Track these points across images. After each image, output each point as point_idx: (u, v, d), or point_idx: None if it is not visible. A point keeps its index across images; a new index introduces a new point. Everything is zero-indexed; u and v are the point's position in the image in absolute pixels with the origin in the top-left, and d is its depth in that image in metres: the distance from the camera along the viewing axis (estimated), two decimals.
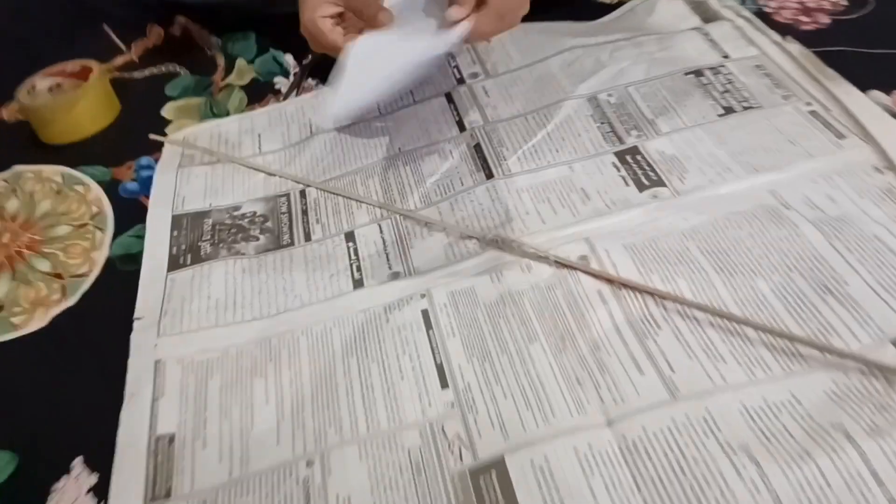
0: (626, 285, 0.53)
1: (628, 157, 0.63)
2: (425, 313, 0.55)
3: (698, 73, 0.69)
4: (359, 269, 0.61)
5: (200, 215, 0.69)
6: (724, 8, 0.76)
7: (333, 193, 0.68)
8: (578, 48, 0.75)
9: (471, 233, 0.60)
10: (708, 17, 0.76)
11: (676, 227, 0.56)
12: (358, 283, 0.60)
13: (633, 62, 0.72)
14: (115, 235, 0.71)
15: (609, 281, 0.53)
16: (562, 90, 0.71)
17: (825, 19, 0.74)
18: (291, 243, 0.65)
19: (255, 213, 0.68)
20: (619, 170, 0.62)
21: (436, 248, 0.61)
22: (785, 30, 0.72)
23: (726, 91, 0.67)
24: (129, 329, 0.60)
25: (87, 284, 0.66)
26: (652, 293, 0.52)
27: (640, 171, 0.62)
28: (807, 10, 0.75)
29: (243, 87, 0.87)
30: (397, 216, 0.64)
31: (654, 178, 0.61)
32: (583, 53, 0.75)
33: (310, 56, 0.88)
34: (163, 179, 0.74)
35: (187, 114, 0.85)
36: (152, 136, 0.79)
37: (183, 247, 0.66)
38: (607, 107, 0.68)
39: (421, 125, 0.73)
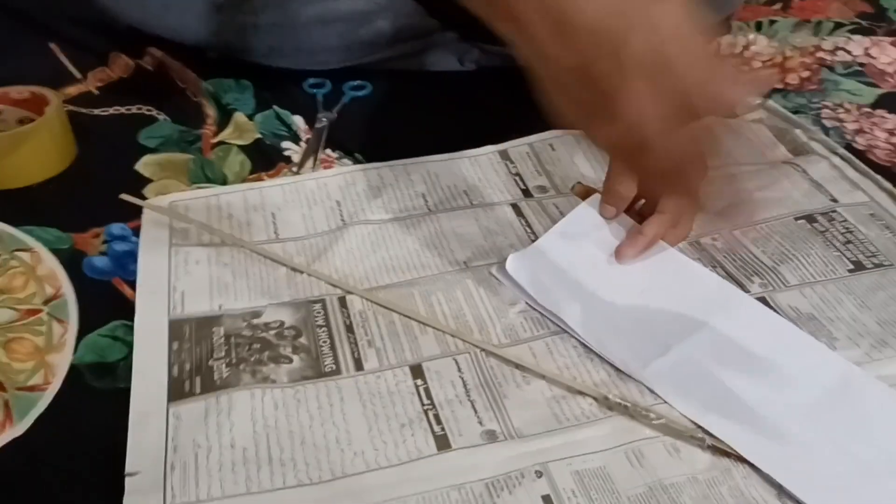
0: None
1: None
2: (547, 500, 0.42)
3: (811, 218, 0.62)
4: (437, 419, 0.47)
5: (208, 321, 0.53)
6: (814, 141, 0.70)
7: (388, 309, 0.54)
8: None
9: (585, 389, 0.48)
10: (797, 149, 0.70)
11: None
12: (442, 442, 0.45)
13: (731, 202, 0.63)
14: (82, 332, 0.52)
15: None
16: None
17: None
18: (337, 371, 0.50)
19: (282, 323, 0.53)
20: None
21: (538, 402, 0.48)
22: (883, 173, 0.66)
23: (849, 242, 0.59)
24: (115, 487, 0.42)
25: (42, 404, 0.47)
26: None
27: None
28: None
29: (243, 149, 0.71)
30: (478, 351, 0.51)
31: None
32: None
33: (324, 119, 0.74)
34: (150, 263, 0.57)
35: (171, 172, 0.68)
36: (125, 197, 0.61)
37: (188, 366, 0.49)
38: (715, 251, 0.59)
39: (487, 236, 0.60)
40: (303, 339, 0.52)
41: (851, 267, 0.57)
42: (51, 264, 0.57)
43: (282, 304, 0.54)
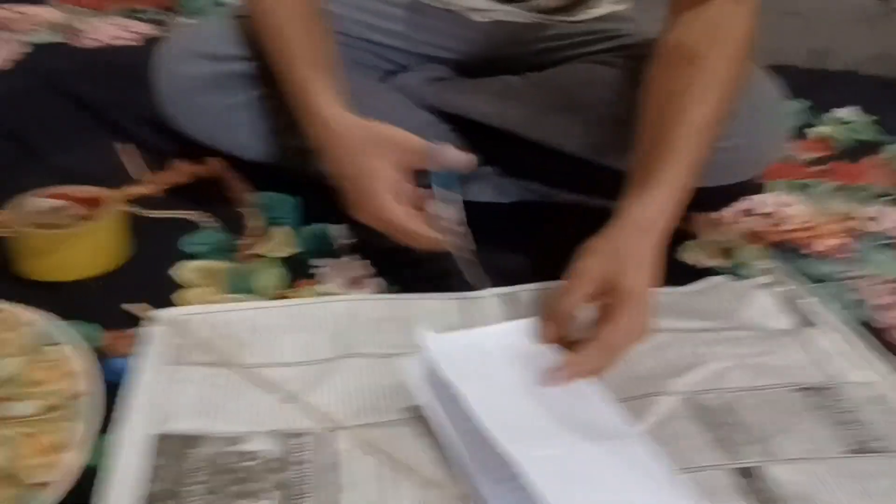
0: None
1: (750, 483, 0.53)
2: None
3: (809, 392, 0.61)
4: None
5: (190, 441, 0.54)
6: (822, 314, 0.69)
7: (376, 450, 0.54)
8: (668, 332, 0.66)
9: None
10: (804, 319, 0.70)
11: None
12: None
13: (731, 364, 0.63)
14: (101, 432, 0.55)
15: None
16: (650, 383, 0.61)
17: None
18: None
19: (264, 454, 0.53)
20: (740, 499, 0.52)
21: None
22: None
23: (851, 422, 0.59)
24: None
25: (49, 500, 0.50)
26: None
27: None
28: None
29: (278, 262, 0.75)
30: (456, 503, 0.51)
31: None
32: (674, 340, 0.66)
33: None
34: (144, 377, 0.59)
35: (209, 280, 0.72)
36: (127, 307, 0.64)
37: (159, 486, 0.51)
38: (710, 413, 0.59)
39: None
40: (284, 474, 0.52)
41: (853, 448, 0.56)
42: (81, 362, 0.60)
43: (266, 432, 0.55)
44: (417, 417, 0.57)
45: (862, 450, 0.56)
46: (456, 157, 0.67)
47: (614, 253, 0.60)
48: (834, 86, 1.20)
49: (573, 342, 0.60)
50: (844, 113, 1.12)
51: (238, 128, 0.84)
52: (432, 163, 0.66)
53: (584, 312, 0.61)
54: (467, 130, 0.88)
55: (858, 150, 1.04)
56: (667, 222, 0.62)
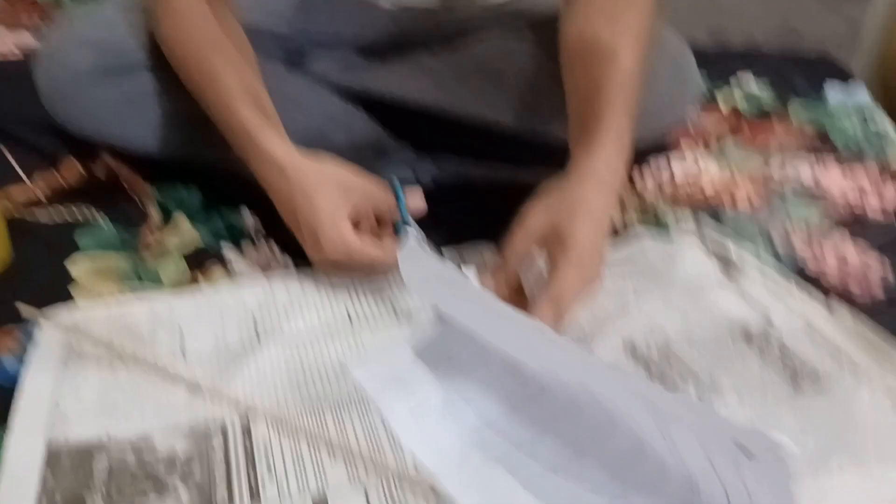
0: None
1: None
2: None
3: (745, 335, 0.60)
4: None
5: (89, 451, 0.48)
6: (748, 262, 0.69)
7: (294, 434, 0.50)
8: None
9: None
10: (730, 269, 0.69)
11: None
12: None
13: (664, 315, 0.62)
14: None
15: None
16: (587, 332, 0.60)
17: (879, 293, 0.68)
18: (230, 502, 0.46)
19: (173, 452, 0.49)
20: None
21: None
22: (834, 294, 0.65)
23: (785, 360, 0.58)
24: None
25: None
26: None
27: None
28: (856, 278, 0.69)
29: (188, 253, 0.70)
30: (391, 477, 0.48)
31: None
32: (605, 294, 0.63)
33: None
34: (34, 380, 0.53)
35: (104, 274, 0.66)
36: (21, 307, 0.58)
37: (57, 497, 0.45)
38: (650, 359, 0.57)
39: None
40: (195, 469, 0.47)
41: (790, 388, 0.55)
42: None
43: (176, 429, 0.50)
44: (338, 398, 0.53)
45: (798, 382, 0.56)
46: (418, 205, 0.65)
47: (564, 202, 0.58)
48: (736, 60, 1.21)
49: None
50: (748, 86, 1.13)
51: (131, 120, 0.77)
52: (392, 210, 0.65)
53: (536, 267, 0.58)
54: (377, 112, 0.84)
55: (765, 118, 1.05)
56: (619, 171, 0.60)
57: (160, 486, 0.46)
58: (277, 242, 0.71)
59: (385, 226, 0.66)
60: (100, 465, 0.47)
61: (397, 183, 0.66)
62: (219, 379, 0.54)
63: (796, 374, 0.56)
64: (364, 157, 0.81)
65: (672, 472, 0.43)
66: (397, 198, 0.65)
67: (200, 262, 0.68)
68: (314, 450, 0.49)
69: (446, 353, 0.54)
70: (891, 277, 0.70)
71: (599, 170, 0.60)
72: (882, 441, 0.51)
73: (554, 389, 0.48)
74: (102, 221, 0.73)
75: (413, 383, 0.52)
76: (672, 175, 0.87)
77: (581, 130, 0.64)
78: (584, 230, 0.56)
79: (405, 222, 0.64)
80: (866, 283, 0.69)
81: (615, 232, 0.75)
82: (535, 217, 0.58)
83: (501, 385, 0.51)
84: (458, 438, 0.49)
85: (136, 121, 0.77)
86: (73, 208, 0.75)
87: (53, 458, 0.48)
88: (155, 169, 0.79)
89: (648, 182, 0.86)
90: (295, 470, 0.48)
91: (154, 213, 0.75)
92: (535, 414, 0.49)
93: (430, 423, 0.50)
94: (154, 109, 0.76)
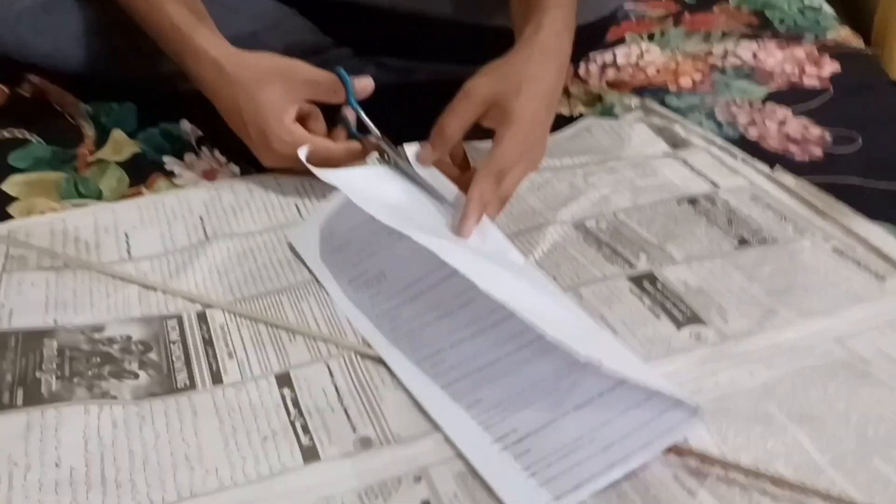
0: (705, 460, 0.39)
1: (647, 285, 0.52)
2: None
3: (692, 201, 0.61)
4: (305, 429, 0.42)
5: (38, 335, 0.47)
6: (693, 135, 0.70)
7: (252, 319, 0.50)
8: (546, 170, 0.64)
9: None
10: (676, 143, 0.69)
11: (743, 384, 0.44)
12: (310, 453, 0.41)
13: (613, 189, 0.63)
14: None
15: (691, 458, 0.40)
16: (539, 215, 0.59)
17: (818, 151, 0.69)
18: (191, 386, 0.45)
19: (128, 337, 0.48)
20: (640, 300, 0.51)
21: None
22: (776, 159, 0.66)
23: (732, 221, 0.59)
24: None
25: None
26: (745, 473, 0.38)
27: (667, 302, 0.50)
28: (796, 141, 0.70)
29: (122, 165, 0.67)
30: (353, 354, 0.47)
31: (688, 313, 0.50)
32: (552, 177, 0.64)
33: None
34: None
35: (41, 191, 0.63)
36: None
37: (8, 378, 0.44)
38: (599, 233, 0.57)
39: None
40: (152, 355, 0.47)
41: (737, 244, 0.56)
42: None
43: (130, 320, 0.49)
44: (294, 286, 0.52)
45: (745, 243, 0.57)
46: (365, 86, 0.63)
47: (509, 74, 0.55)
48: None
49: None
50: None
51: (50, 31, 0.72)
52: (338, 96, 0.61)
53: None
54: (314, 15, 0.81)
55: (705, 4, 1.04)
56: (565, 44, 0.58)
57: (118, 369, 0.45)
58: (221, 150, 0.68)
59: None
60: (50, 347, 0.46)
61: (343, 71, 0.63)
62: (171, 277, 0.53)
63: (741, 231, 0.58)
64: (301, 59, 0.78)
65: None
66: (344, 84, 0.62)
67: (143, 175, 0.66)
68: (274, 331, 0.49)
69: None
70: (828, 136, 0.71)
71: (545, 42, 0.58)
72: (823, 285, 0.52)
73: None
74: (35, 141, 0.69)
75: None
76: (615, 62, 0.87)
77: (525, 7, 0.62)
78: (528, 103, 0.55)
79: (354, 108, 0.62)
80: (805, 145, 0.70)
81: (564, 120, 0.74)
82: (478, 89, 0.57)
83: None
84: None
85: (56, 31, 0.73)
86: (4, 132, 0.71)
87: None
88: (86, 89, 0.75)
89: (593, 69, 0.85)
90: (256, 352, 0.47)
91: (89, 131, 0.71)
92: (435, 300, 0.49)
93: None
94: (74, 17, 0.72)
